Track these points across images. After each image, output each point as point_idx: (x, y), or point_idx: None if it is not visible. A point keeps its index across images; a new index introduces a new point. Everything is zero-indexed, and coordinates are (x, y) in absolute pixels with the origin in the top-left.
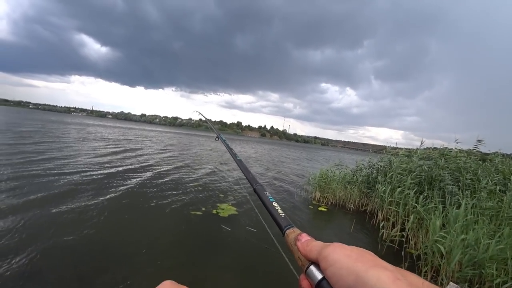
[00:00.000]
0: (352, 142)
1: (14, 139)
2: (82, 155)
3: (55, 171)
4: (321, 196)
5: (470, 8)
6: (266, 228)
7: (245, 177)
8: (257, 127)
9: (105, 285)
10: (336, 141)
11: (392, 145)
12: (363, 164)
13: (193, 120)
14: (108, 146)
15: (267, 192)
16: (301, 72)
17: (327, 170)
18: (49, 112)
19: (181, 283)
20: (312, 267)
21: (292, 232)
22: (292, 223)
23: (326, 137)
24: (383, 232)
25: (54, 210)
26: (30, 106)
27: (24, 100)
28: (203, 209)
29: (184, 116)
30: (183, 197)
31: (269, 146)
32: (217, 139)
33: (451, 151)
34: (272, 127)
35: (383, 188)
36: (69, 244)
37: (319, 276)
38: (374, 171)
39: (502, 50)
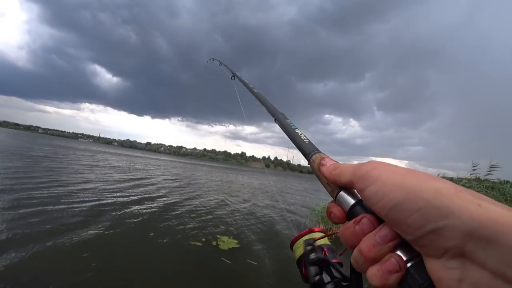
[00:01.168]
0: None
1: (26, 163)
2: (89, 182)
3: (63, 199)
4: (323, 227)
5: (466, 42)
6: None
7: (265, 108)
8: (261, 157)
9: None
10: None
11: None
12: None
13: (198, 149)
14: (116, 175)
15: (289, 120)
16: (305, 104)
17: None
18: (57, 137)
19: None
20: (343, 192)
21: (317, 157)
22: (317, 149)
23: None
24: None
25: (58, 240)
26: (39, 131)
27: (34, 125)
28: (203, 239)
29: (189, 146)
30: (185, 226)
31: (274, 177)
32: (233, 78)
33: (461, 180)
34: (276, 157)
35: None
36: (68, 277)
37: (352, 200)
38: None
39: (501, 79)
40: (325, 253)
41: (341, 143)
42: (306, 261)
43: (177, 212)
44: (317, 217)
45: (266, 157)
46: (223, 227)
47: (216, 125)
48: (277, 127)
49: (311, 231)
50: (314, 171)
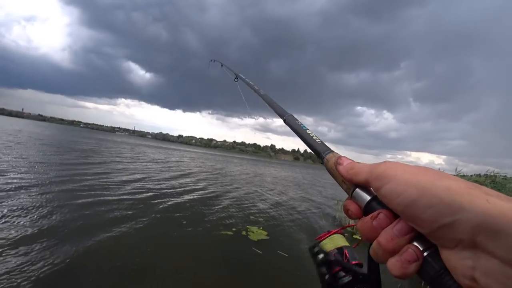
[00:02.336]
0: None
1: (76, 156)
2: (132, 174)
3: (111, 190)
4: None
5: None
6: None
7: (273, 110)
8: (290, 150)
9: None
10: None
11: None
12: None
13: (227, 142)
14: (154, 166)
15: (299, 121)
16: (336, 95)
17: None
18: (97, 131)
19: None
20: (358, 189)
21: (332, 157)
22: (330, 148)
23: (362, 162)
24: None
25: (106, 228)
26: (81, 125)
27: (76, 120)
28: (234, 229)
29: (219, 138)
30: (217, 216)
31: (304, 170)
32: (236, 79)
33: (505, 177)
34: (305, 150)
35: None
36: (104, 262)
37: (367, 196)
38: None
39: None
40: (345, 255)
41: (374, 136)
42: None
43: (210, 202)
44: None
45: (296, 149)
46: (253, 218)
47: (245, 117)
48: (307, 120)
49: (329, 233)
50: (328, 170)
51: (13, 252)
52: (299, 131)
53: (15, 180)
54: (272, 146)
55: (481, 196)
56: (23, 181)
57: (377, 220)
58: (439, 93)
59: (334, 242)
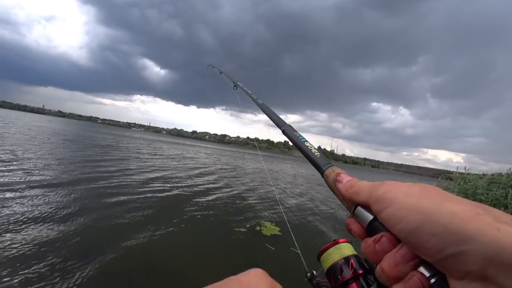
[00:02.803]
0: (405, 165)
1: (96, 152)
2: (151, 172)
3: (130, 187)
4: None
5: None
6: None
7: (272, 121)
8: None
9: None
10: (388, 163)
11: (458, 170)
12: None
13: (241, 138)
14: (172, 163)
15: (297, 133)
16: (350, 91)
17: None
18: (113, 126)
19: None
20: (360, 208)
21: (331, 172)
22: (330, 162)
23: (377, 159)
24: None
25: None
26: (98, 121)
27: (94, 116)
28: (247, 225)
29: (232, 134)
30: (232, 210)
31: None
32: (235, 87)
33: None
34: (319, 147)
35: None
36: (110, 258)
37: (370, 216)
38: None
39: None
40: (352, 265)
41: (390, 133)
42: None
43: (225, 197)
44: None
45: None
46: (266, 213)
47: (259, 113)
48: (321, 116)
49: (335, 243)
50: (329, 186)
51: (33, 248)
52: (298, 143)
53: (43, 177)
54: (286, 143)
55: (490, 223)
56: (49, 177)
57: (380, 244)
58: (459, 89)
59: (340, 251)
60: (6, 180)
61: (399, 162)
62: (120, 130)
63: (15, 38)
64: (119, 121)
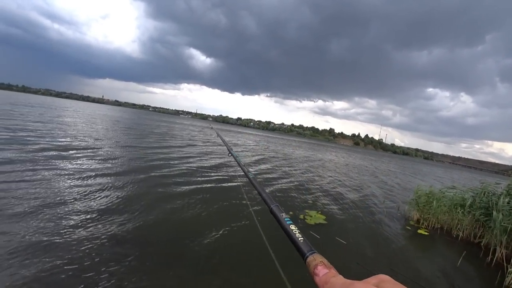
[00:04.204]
0: (463, 158)
1: (156, 139)
2: (210, 159)
3: (199, 174)
4: (420, 217)
5: None
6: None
7: (260, 196)
8: (350, 135)
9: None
10: (443, 155)
11: None
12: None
13: (285, 125)
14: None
15: (284, 214)
16: (403, 76)
17: (434, 189)
18: (163, 114)
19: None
20: None
21: (312, 261)
22: (313, 249)
23: (430, 150)
24: (510, 279)
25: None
26: (150, 109)
27: (146, 104)
28: (291, 212)
29: (276, 121)
30: (276, 198)
31: (365, 156)
32: (229, 155)
33: None
34: (366, 135)
35: None
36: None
37: None
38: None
39: None
40: None
41: (447, 122)
42: None
43: (271, 184)
44: (417, 206)
45: (356, 134)
46: (311, 202)
47: (304, 100)
48: (370, 103)
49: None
50: (309, 274)
51: (93, 218)
52: (283, 225)
53: (114, 162)
54: (331, 130)
55: None
56: (119, 163)
57: None
58: None
59: None
60: (93, 162)
61: (456, 155)
62: (170, 117)
63: (78, 36)
64: (168, 109)
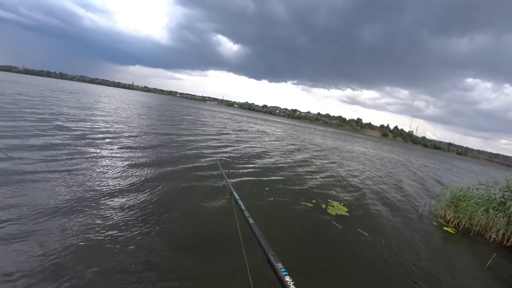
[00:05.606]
0: (502, 155)
1: (189, 127)
2: (239, 146)
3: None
4: (449, 215)
5: None
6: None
7: (259, 243)
8: (378, 125)
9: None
10: (479, 151)
11: None
12: None
13: (311, 113)
14: (259, 137)
15: (280, 264)
16: (440, 65)
17: (467, 187)
18: (190, 100)
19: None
20: None
21: None
22: None
23: (464, 145)
24: None
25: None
26: (177, 95)
27: (173, 90)
28: (314, 201)
29: (302, 109)
30: (300, 186)
31: (394, 148)
32: (230, 196)
33: None
34: (396, 127)
35: None
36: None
37: None
38: None
39: None
40: None
41: (486, 116)
42: None
43: (295, 172)
44: (446, 202)
45: (385, 125)
46: (335, 193)
47: (332, 88)
48: (402, 93)
49: None
50: None
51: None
52: (278, 274)
53: (151, 150)
54: (359, 120)
55: None
56: (158, 152)
57: None
58: None
59: None
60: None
61: (494, 152)
62: (197, 103)
63: (110, 25)
64: (195, 95)
